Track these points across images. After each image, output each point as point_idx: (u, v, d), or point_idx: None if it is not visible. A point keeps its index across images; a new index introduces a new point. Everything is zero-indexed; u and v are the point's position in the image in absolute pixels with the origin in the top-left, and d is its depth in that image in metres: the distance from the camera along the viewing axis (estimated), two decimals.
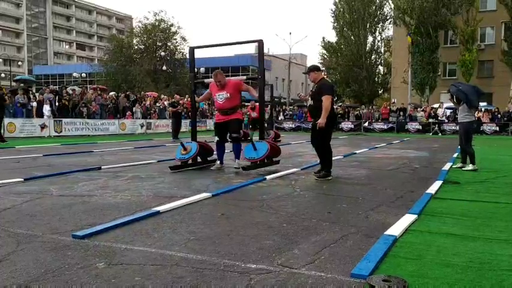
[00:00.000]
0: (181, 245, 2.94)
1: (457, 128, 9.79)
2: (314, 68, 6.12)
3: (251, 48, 58.94)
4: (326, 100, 5.72)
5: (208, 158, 7.56)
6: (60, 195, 4.66)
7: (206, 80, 7.25)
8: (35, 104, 18.43)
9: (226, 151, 7.19)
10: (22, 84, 25.03)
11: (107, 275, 2.37)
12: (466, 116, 7.39)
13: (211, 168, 6.96)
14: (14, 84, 32.25)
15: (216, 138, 6.99)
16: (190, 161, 7.13)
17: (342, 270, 2.47)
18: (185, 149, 7.00)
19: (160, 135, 20.65)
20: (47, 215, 3.78)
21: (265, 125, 15.90)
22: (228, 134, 6.80)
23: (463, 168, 7.28)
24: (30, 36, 76.41)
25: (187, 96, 29.64)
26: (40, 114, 17.99)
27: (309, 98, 6.14)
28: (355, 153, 10.65)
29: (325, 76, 6.31)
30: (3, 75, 51.92)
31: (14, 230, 3.24)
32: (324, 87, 5.86)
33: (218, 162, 7.08)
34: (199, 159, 7.41)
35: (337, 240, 3.08)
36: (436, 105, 28.02)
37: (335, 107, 32.83)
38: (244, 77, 7.74)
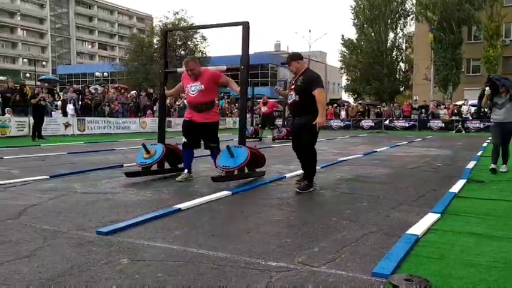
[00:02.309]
0: (202, 242, 2.97)
1: (482, 125, 9.39)
2: (296, 57, 5.08)
3: (270, 46, 58.72)
4: (320, 94, 4.80)
5: (180, 165, 6.08)
6: (84, 193, 4.75)
7: (179, 69, 5.88)
8: (59, 103, 18.82)
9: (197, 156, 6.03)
10: (46, 84, 25.59)
11: (130, 271, 2.42)
12: None
13: (177, 179, 5.51)
14: (38, 83, 32.97)
15: (183, 140, 5.67)
16: (156, 167, 5.89)
17: (363, 269, 2.46)
18: (148, 152, 5.70)
19: (181, 133, 20.82)
20: (72, 212, 3.87)
21: (277, 122, 15.83)
22: (203, 143, 5.71)
23: (501, 170, 6.78)
24: (54, 37, 77.97)
25: None
26: (64, 113, 18.36)
27: (292, 93, 4.97)
28: (376, 151, 10.55)
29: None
30: (28, 75, 53.19)
31: (41, 226, 3.33)
32: (313, 79, 4.88)
33: (185, 171, 5.63)
34: (167, 166, 6.13)
35: (357, 238, 3.07)
36: (459, 103, 27.47)
37: (355, 104, 32.21)
38: (225, 67, 6.02)
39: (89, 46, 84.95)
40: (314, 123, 4.74)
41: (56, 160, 8.16)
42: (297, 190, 4.86)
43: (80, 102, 19.37)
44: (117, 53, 79.61)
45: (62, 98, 19.86)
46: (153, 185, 5.23)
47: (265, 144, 12.89)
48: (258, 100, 17.54)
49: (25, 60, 70.21)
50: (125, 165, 7.18)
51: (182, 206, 3.98)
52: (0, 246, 2.84)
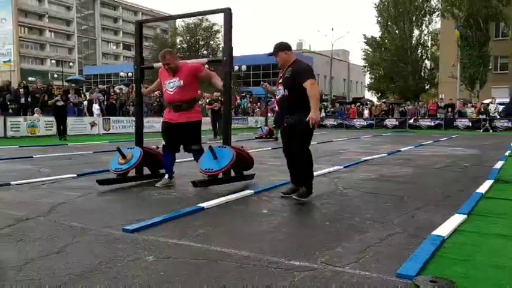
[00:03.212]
0: (225, 241, 3.00)
1: (510, 124, 9.13)
2: (283, 47, 4.43)
3: (292, 45, 58.65)
4: (312, 86, 4.16)
5: (161, 171, 5.59)
6: (110, 191, 4.86)
7: (156, 65, 5.34)
8: (85, 103, 19.24)
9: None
10: (73, 85, 26.17)
11: (155, 268, 2.47)
12: None
13: (156, 185, 5.06)
14: (66, 84, 33.77)
15: (163, 143, 5.20)
16: (134, 173, 5.38)
17: (387, 270, 2.44)
18: (124, 156, 5.15)
19: (203, 132, 21.00)
20: (99, 210, 3.96)
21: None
22: (183, 146, 5.17)
23: None
24: (80, 38, 79.63)
25: None
26: (90, 113, 18.76)
27: (280, 88, 4.39)
28: (400, 150, 10.41)
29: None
30: (56, 75, 54.48)
31: (69, 223, 3.42)
32: (302, 70, 4.29)
33: (166, 176, 5.19)
34: (147, 171, 5.62)
35: (382, 239, 3.05)
36: (487, 101, 26.81)
37: (379, 103, 31.80)
38: (205, 60, 5.42)
39: (114, 47, 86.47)
40: (307, 119, 4.13)
41: (83, 159, 8.35)
42: (295, 198, 4.29)
43: (105, 102, 19.76)
44: None
45: (88, 98, 20.29)
46: (177, 184, 5.30)
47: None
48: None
49: (53, 61, 71.98)
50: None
51: (205, 205, 4.02)
52: (32, 243, 2.93)
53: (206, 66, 5.39)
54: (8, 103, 16.61)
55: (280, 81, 4.42)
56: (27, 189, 4.96)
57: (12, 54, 61.94)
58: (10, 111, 16.39)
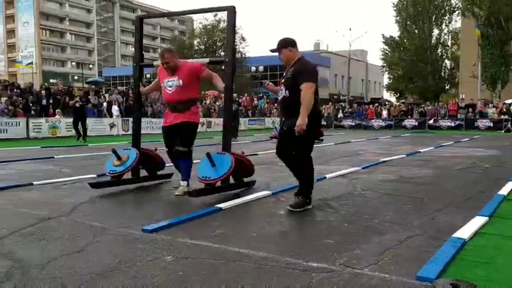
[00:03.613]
0: (243, 242, 3.01)
1: None
2: (287, 43, 4.07)
3: (309, 46, 58.35)
4: (307, 90, 3.81)
5: (159, 173, 5.50)
6: (130, 191, 4.92)
7: (155, 63, 5.09)
8: (105, 104, 19.53)
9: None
10: (93, 86, 26.59)
11: (174, 268, 2.49)
12: None
13: (176, 193, 4.66)
14: (86, 86, 34.32)
15: (166, 149, 4.95)
16: (130, 175, 5.18)
17: (407, 273, 2.42)
18: (119, 158, 4.94)
19: (220, 133, 21.10)
20: (118, 210, 4.03)
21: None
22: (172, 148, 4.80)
23: None
24: (100, 40, 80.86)
25: (245, 94, 30.07)
26: (109, 114, 19.03)
27: (282, 88, 4.11)
28: (420, 151, 10.27)
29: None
30: (76, 77, 55.44)
31: (90, 223, 3.48)
32: (304, 70, 3.94)
33: (181, 181, 4.80)
34: (144, 173, 5.43)
35: (401, 241, 3.01)
36: (509, 101, 26.25)
37: (398, 103, 31.35)
38: (207, 60, 5.15)
39: (133, 49, 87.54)
40: (294, 124, 3.79)
41: (103, 159, 8.46)
42: (289, 208, 3.92)
43: (124, 104, 20.01)
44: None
45: (107, 99, 20.59)
46: (195, 184, 5.32)
47: None
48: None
49: (73, 63, 73.28)
50: (167, 164, 7.34)
51: (223, 205, 4.04)
52: (55, 242, 2.99)
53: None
54: (31, 105, 16.97)
55: (283, 81, 4.14)
56: (49, 189, 5.06)
57: (34, 57, 63.32)
58: (32, 112, 16.74)
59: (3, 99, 16.19)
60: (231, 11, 4.69)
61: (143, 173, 5.43)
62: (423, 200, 4.47)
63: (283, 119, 4.08)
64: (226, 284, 2.27)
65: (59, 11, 74.03)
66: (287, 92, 4.02)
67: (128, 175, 5.14)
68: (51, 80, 43.84)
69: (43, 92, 17.96)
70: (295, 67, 3.99)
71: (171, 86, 4.69)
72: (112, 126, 18.11)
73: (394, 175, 6.26)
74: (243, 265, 2.55)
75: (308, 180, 4.05)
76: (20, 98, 16.84)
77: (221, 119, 23.72)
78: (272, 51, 4.23)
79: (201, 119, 22.59)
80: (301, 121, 3.77)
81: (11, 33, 71.54)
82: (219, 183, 4.48)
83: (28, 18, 69.05)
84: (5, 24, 71.39)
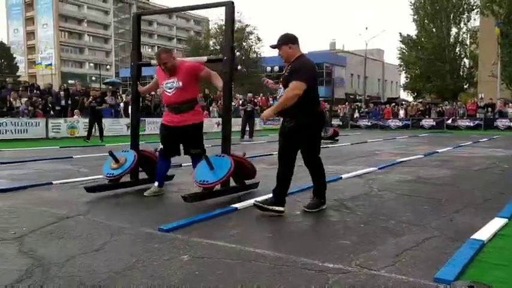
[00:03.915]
0: (259, 242, 3.02)
1: None
2: (288, 39, 3.86)
3: (325, 45, 57.99)
4: (294, 87, 3.65)
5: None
6: (145, 190, 4.95)
7: (153, 61, 4.87)
8: (122, 105, 19.75)
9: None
10: (110, 87, 26.91)
11: (190, 268, 2.51)
12: None
13: (145, 194, 4.60)
14: (103, 86, 34.76)
15: (160, 147, 4.77)
16: (129, 178, 5.05)
17: (425, 274, 2.39)
18: (117, 161, 4.80)
19: (235, 133, 21.14)
20: (136, 209, 4.07)
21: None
22: (183, 149, 4.74)
23: None
24: (117, 41, 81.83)
25: (261, 94, 30.07)
26: (126, 115, 19.24)
27: (281, 87, 4.05)
28: (437, 152, 10.13)
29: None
30: (93, 78, 56.18)
31: (107, 222, 3.53)
32: (299, 69, 3.75)
33: (155, 183, 4.69)
34: (144, 176, 5.25)
35: (418, 243, 2.98)
36: None
37: (415, 103, 30.89)
38: (205, 58, 4.94)
39: (149, 49, 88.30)
40: (262, 115, 3.83)
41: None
42: (305, 209, 3.92)
43: (140, 104, 20.23)
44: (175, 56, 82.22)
45: (124, 100, 20.82)
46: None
47: None
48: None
49: (91, 64, 74.32)
50: (183, 164, 7.39)
51: (239, 205, 4.05)
52: (73, 240, 3.04)
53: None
54: (50, 105, 17.26)
55: (281, 79, 4.00)
56: (67, 188, 5.14)
57: (53, 58, 64.39)
58: (51, 113, 17.03)
59: (24, 100, 16.50)
60: (229, 6, 4.45)
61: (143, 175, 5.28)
62: (441, 201, 4.41)
63: (286, 119, 3.87)
64: (242, 283, 2.28)
65: (77, 13, 75.15)
66: (285, 90, 3.83)
67: (128, 178, 5.02)
68: (69, 81, 44.55)
69: (62, 92, 18.25)
70: (293, 65, 3.81)
71: (170, 88, 4.55)
72: (129, 126, 18.31)
73: (412, 175, 6.19)
74: (258, 265, 2.55)
75: (322, 177, 4.03)
76: (40, 99, 17.14)
77: (237, 119, 23.75)
78: (272, 47, 4.07)
79: (215, 119, 22.81)
80: (268, 112, 3.86)
81: (30, 35, 72.90)
82: (218, 187, 4.34)
83: (47, 20, 70.26)
84: (25, 26, 72.80)
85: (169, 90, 4.57)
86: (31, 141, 13.98)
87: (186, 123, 4.56)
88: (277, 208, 3.78)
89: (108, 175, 4.78)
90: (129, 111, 19.65)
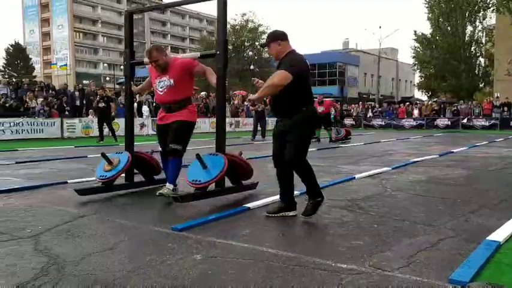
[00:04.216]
0: (272, 241, 3.02)
1: None
2: (276, 36, 3.70)
3: (338, 45, 57.70)
4: (278, 75, 3.50)
5: (156, 177, 5.19)
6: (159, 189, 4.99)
7: (146, 60, 4.62)
8: (135, 104, 19.91)
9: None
10: (124, 87, 27.09)
11: (203, 267, 2.52)
12: None
13: (158, 193, 4.33)
14: (117, 86, 35.06)
15: (159, 149, 4.72)
16: (124, 180, 4.94)
17: (439, 275, 2.37)
18: (110, 162, 4.62)
19: (248, 133, 21.18)
20: (149, 208, 4.10)
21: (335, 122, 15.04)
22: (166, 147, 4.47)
23: None
24: None
25: None
26: (139, 114, 19.40)
27: None
28: (452, 152, 10.01)
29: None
30: (108, 78, 56.71)
31: (121, 221, 3.56)
32: (286, 61, 3.60)
33: (168, 183, 4.44)
34: (140, 178, 5.14)
35: (433, 243, 2.95)
36: None
37: (429, 102, 30.55)
38: (198, 54, 4.76)
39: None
40: (249, 98, 3.64)
41: None
42: (303, 216, 3.67)
43: (154, 104, 20.35)
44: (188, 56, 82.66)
45: (137, 100, 20.99)
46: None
47: (326, 144, 12.71)
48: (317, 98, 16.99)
49: (105, 64, 75.08)
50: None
51: (251, 205, 4.05)
52: (88, 239, 3.08)
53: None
54: (65, 105, 17.48)
55: None
56: (82, 187, 5.19)
57: (68, 59, 65.26)
58: (66, 113, 17.24)
59: (39, 100, 16.75)
60: (221, 1, 4.29)
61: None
62: (456, 202, 4.35)
63: (279, 119, 3.75)
64: (254, 283, 2.28)
65: (92, 13, 75.98)
66: (270, 77, 3.62)
67: (122, 180, 4.88)
68: (84, 81, 45.09)
69: (77, 93, 18.46)
70: (282, 60, 3.66)
71: (162, 87, 4.38)
72: (142, 126, 18.45)
73: (426, 176, 6.13)
74: (271, 265, 2.55)
75: (311, 181, 3.73)
76: (55, 99, 17.38)
77: (249, 119, 23.62)
78: (261, 46, 4.11)
79: (228, 119, 22.83)
80: (255, 96, 3.68)
81: (46, 36, 73.91)
82: (213, 186, 4.20)
83: (62, 21, 71.16)
84: (41, 27, 73.83)
85: (161, 89, 4.41)
86: (47, 140, 14.18)
87: (175, 119, 4.37)
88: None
89: (101, 177, 4.60)
90: (142, 111, 19.79)
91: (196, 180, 4.01)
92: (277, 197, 4.40)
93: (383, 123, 27.22)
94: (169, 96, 4.37)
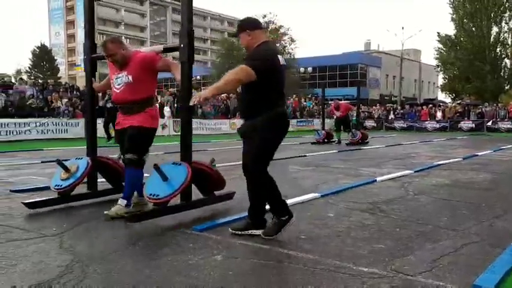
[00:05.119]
0: (292, 243, 3.01)
1: None
2: (245, 25, 3.25)
3: (360, 46, 57.26)
4: (237, 71, 3.04)
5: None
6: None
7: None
8: (157, 105, 20.17)
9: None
10: None
11: (224, 267, 2.53)
12: None
13: (104, 213, 3.73)
14: None
15: (119, 154, 4.08)
16: (86, 189, 4.40)
17: (463, 281, 2.32)
18: (68, 170, 4.09)
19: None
20: None
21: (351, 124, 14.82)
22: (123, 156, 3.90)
23: None
24: (153, 43, 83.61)
25: (294, 96, 29.99)
26: (161, 115, 19.64)
27: None
28: (477, 155, 9.80)
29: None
30: None
31: (141, 223, 3.59)
32: (251, 55, 3.16)
33: (120, 199, 3.79)
34: (106, 186, 4.63)
35: (457, 248, 2.90)
36: None
37: (453, 104, 30.01)
38: (161, 47, 4.13)
39: None
40: (197, 95, 3.06)
41: (156, 159, 8.73)
42: (262, 236, 3.12)
43: (175, 105, 20.56)
44: (209, 57, 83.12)
45: (159, 101, 21.24)
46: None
47: (347, 147, 12.61)
48: (330, 102, 16.80)
49: None
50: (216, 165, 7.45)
51: None
52: (110, 238, 3.14)
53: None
54: None
55: None
56: (105, 186, 5.28)
57: None
58: None
59: (64, 100, 17.11)
60: None
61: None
62: (480, 206, 4.27)
63: (244, 120, 3.30)
64: (274, 284, 2.28)
65: (115, 15, 77.30)
66: (243, 88, 3.19)
67: (73, 190, 4.18)
68: None
69: (100, 94, 18.76)
70: (249, 54, 3.21)
71: (119, 84, 3.83)
72: (164, 127, 18.65)
73: (449, 179, 6.02)
74: (291, 267, 2.55)
75: (259, 199, 3.23)
76: (79, 100, 17.73)
77: None
78: (231, 36, 3.63)
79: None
80: (206, 92, 3.06)
81: (71, 37, 75.46)
82: (178, 198, 3.68)
83: None
84: (66, 29, 75.45)
85: (118, 86, 3.85)
86: (71, 140, 14.47)
87: (131, 124, 3.81)
88: (289, 223, 3.17)
89: (56, 187, 4.06)
90: (164, 112, 19.92)
91: (153, 195, 3.44)
92: (297, 198, 4.42)
93: (405, 125, 26.85)
94: (126, 94, 3.80)
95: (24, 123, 14.70)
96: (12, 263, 2.58)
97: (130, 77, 3.76)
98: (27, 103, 16.03)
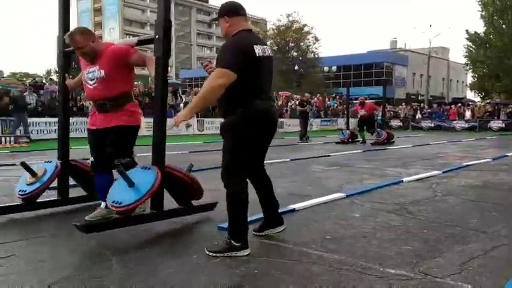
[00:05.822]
0: (317, 243, 3.00)
1: None
2: (224, 11, 2.95)
3: (386, 44, 56.46)
4: (215, 76, 2.72)
5: None
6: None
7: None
8: (182, 105, 20.38)
9: None
10: (170, 88, 27.79)
11: (249, 266, 2.55)
12: None
13: (87, 218, 3.44)
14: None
15: (91, 159, 3.66)
16: (57, 195, 4.03)
17: (493, 284, 2.27)
18: (34, 174, 3.72)
19: (292, 134, 21.11)
20: None
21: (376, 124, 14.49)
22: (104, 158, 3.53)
23: None
24: (177, 44, 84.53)
25: (318, 95, 29.82)
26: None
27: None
28: (507, 155, 9.52)
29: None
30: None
31: (168, 220, 3.64)
32: (221, 50, 2.83)
33: (102, 204, 3.52)
34: (80, 192, 4.23)
35: (487, 251, 2.83)
36: None
37: (482, 104, 29.29)
38: (135, 39, 3.72)
39: (208, 51, 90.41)
40: (174, 118, 2.82)
41: (181, 158, 8.84)
42: (207, 250, 2.77)
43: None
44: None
45: (184, 100, 21.46)
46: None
47: (372, 146, 12.44)
48: (355, 101, 16.46)
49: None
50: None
51: (296, 206, 4.04)
52: (135, 237, 3.18)
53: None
54: None
55: None
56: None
57: None
58: None
59: None
60: None
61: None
62: (510, 208, 4.16)
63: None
64: (300, 285, 2.28)
65: (141, 16, 78.50)
66: (206, 79, 2.85)
67: (39, 196, 3.81)
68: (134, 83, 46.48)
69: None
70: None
71: (92, 79, 3.49)
72: (188, 126, 18.84)
73: (479, 180, 5.87)
74: (317, 267, 2.54)
75: (232, 214, 2.82)
76: None
77: (294, 120, 23.30)
78: (211, 20, 3.31)
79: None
80: (181, 115, 2.82)
81: (98, 38, 77.17)
82: (147, 206, 3.37)
83: (114, 25, 73.97)
84: (94, 30, 76.91)
85: (90, 82, 3.51)
86: None
87: (109, 125, 3.47)
88: (238, 253, 2.71)
89: (20, 192, 3.69)
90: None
91: (116, 202, 3.05)
92: (322, 198, 4.40)
93: (432, 125, 26.31)
94: (100, 91, 3.48)
95: (54, 122, 15.10)
96: None
97: (102, 72, 3.43)
98: (57, 103, 16.46)
